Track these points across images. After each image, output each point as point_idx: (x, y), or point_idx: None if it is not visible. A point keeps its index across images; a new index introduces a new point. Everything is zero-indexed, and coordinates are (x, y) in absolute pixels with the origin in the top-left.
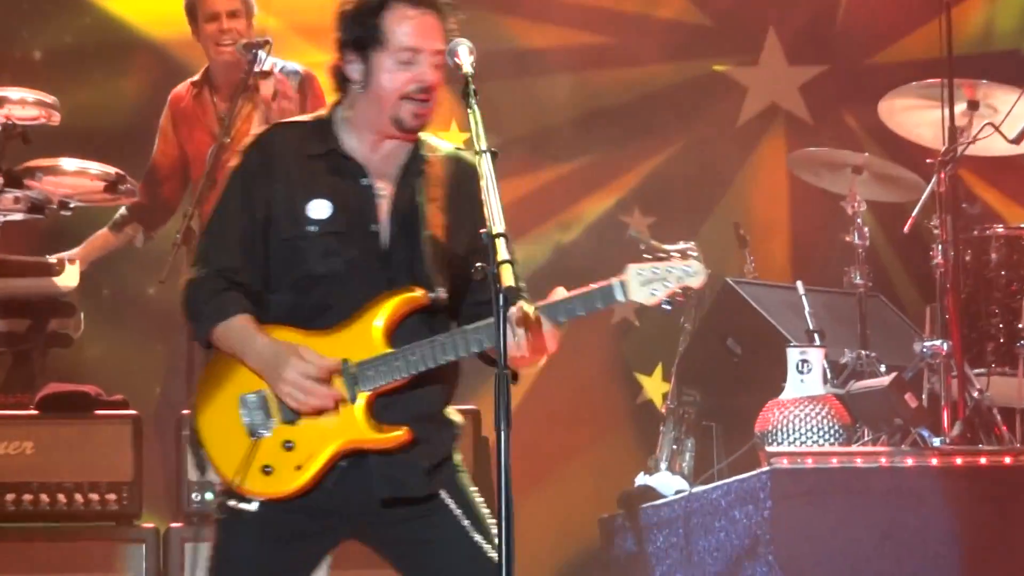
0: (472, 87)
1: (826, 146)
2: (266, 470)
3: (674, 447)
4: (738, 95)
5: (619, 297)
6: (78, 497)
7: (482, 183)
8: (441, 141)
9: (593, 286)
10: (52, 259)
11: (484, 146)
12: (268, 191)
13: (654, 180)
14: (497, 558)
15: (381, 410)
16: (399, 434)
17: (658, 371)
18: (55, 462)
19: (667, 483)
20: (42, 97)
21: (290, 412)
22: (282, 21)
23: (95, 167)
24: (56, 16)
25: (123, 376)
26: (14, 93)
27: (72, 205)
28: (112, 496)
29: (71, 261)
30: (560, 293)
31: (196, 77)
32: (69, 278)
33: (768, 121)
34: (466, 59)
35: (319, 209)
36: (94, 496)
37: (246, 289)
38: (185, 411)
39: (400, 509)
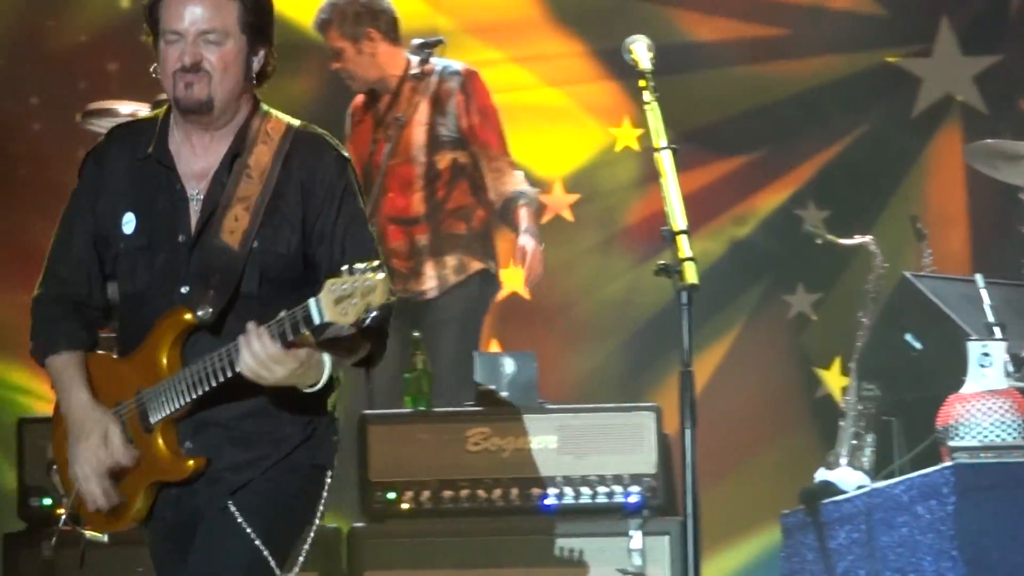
0: (651, 83)
1: (1003, 137)
2: None
3: (854, 442)
4: (912, 86)
5: (315, 318)
6: (601, 490)
7: (664, 180)
8: (284, 117)
9: (298, 308)
10: None
11: (664, 142)
12: (102, 206)
13: (828, 173)
14: None
15: (192, 432)
16: (191, 464)
17: (836, 365)
18: (578, 456)
19: (848, 479)
20: None
21: None
22: (454, 20)
23: None
24: None
25: None
26: None
27: None
28: (636, 488)
29: None
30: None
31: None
32: None
33: (943, 112)
34: (643, 56)
35: (128, 223)
36: (617, 488)
37: (88, 311)
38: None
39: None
